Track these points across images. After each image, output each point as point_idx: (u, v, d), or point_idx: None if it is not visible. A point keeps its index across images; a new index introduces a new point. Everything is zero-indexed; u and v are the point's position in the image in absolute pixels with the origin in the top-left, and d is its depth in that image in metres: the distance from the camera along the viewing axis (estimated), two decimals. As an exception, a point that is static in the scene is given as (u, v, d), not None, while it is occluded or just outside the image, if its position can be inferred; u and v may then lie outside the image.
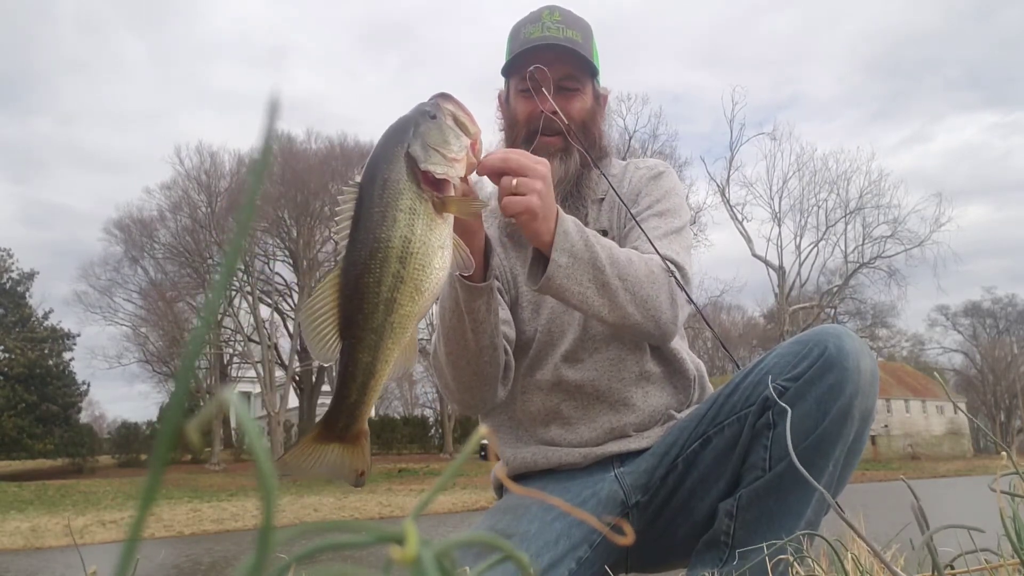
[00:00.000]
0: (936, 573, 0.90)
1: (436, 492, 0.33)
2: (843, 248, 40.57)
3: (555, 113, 1.74)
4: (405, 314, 1.14)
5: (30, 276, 38.40)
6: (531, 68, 1.73)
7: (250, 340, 36.00)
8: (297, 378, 38.35)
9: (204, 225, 35.00)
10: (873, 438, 44.49)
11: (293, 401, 38.72)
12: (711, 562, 1.58)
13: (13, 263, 38.29)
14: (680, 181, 1.95)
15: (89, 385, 39.12)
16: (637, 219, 1.77)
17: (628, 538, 1.46)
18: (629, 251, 1.62)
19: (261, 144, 0.26)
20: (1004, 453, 0.99)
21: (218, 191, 35.50)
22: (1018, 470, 0.95)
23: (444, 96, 1.25)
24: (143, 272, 37.33)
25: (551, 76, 1.75)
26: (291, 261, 37.36)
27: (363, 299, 1.12)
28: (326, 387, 39.21)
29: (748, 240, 38.93)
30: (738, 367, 1.74)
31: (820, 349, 1.53)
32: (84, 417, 40.85)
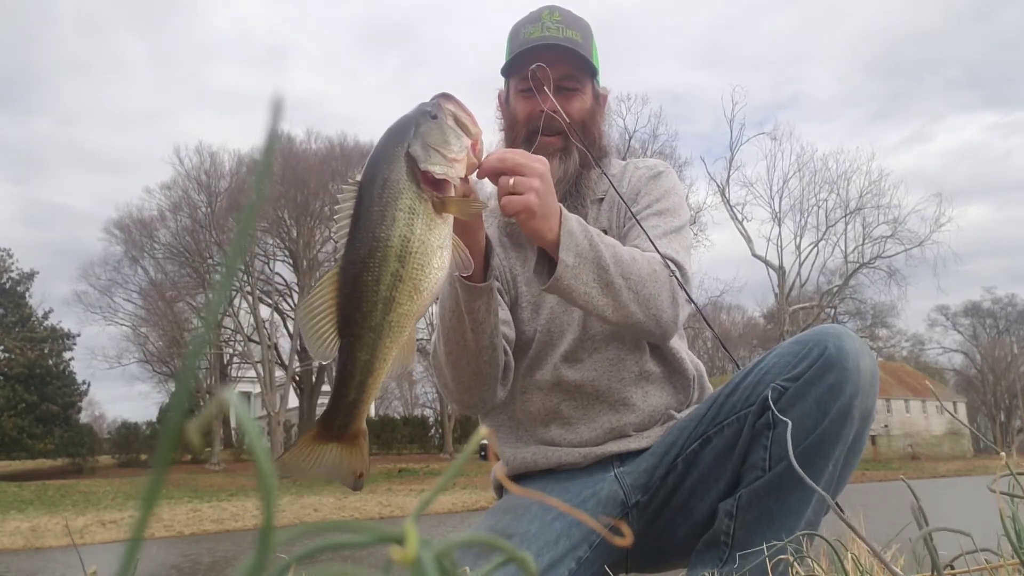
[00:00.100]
0: (936, 573, 0.90)
1: (436, 493, 0.33)
2: (843, 248, 40.63)
3: (556, 111, 1.74)
4: (403, 313, 1.14)
5: (30, 276, 38.43)
6: (532, 66, 1.73)
7: (250, 340, 36.01)
8: (297, 378, 38.34)
9: (204, 225, 35.00)
10: (873, 438, 44.50)
11: (293, 401, 38.72)
12: (711, 562, 1.58)
13: (13, 263, 38.35)
14: (680, 181, 1.96)
15: (89, 385, 39.19)
16: (637, 218, 1.77)
17: (626, 539, 1.46)
18: (632, 249, 1.62)
19: (264, 145, 0.26)
20: (1003, 454, 0.99)
21: (218, 191, 35.51)
22: (1011, 471, 0.95)
23: (445, 96, 1.25)
24: (143, 272, 37.39)
25: (551, 76, 1.75)
26: (291, 261, 37.37)
27: (361, 297, 1.12)
28: (326, 387, 39.17)
29: (748, 240, 38.98)
30: (738, 367, 1.74)
31: (820, 349, 1.53)
32: (84, 417, 40.91)
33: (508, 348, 1.73)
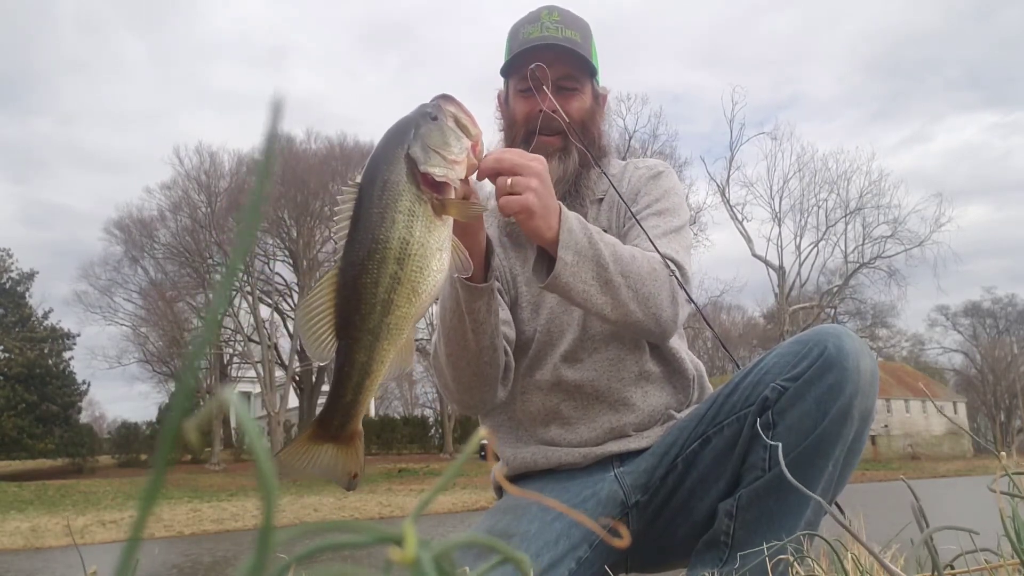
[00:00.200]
0: (936, 573, 0.90)
1: (436, 493, 0.33)
2: (843, 248, 40.63)
3: (555, 111, 1.74)
4: (402, 315, 1.14)
5: (30, 276, 38.42)
6: (532, 66, 1.73)
7: (250, 340, 36.00)
8: (297, 378, 38.33)
9: (204, 225, 34.99)
10: (873, 438, 44.49)
11: (293, 401, 38.71)
12: (711, 562, 1.58)
13: (13, 263, 38.33)
14: (680, 181, 1.96)
15: (89, 385, 39.17)
16: (636, 218, 1.77)
17: (624, 540, 1.46)
18: (632, 248, 1.62)
19: (265, 145, 0.26)
20: (1003, 455, 0.99)
21: (218, 191, 35.51)
22: (1008, 472, 0.95)
23: (445, 97, 1.25)
24: (143, 272, 37.39)
25: (550, 76, 1.75)
26: (291, 261, 37.36)
27: (360, 299, 1.12)
28: (326, 387, 38.76)
29: (748, 240, 38.97)
30: (738, 367, 1.74)
31: (820, 349, 1.53)
32: (84, 417, 40.90)
33: (508, 348, 1.73)
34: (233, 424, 37.90)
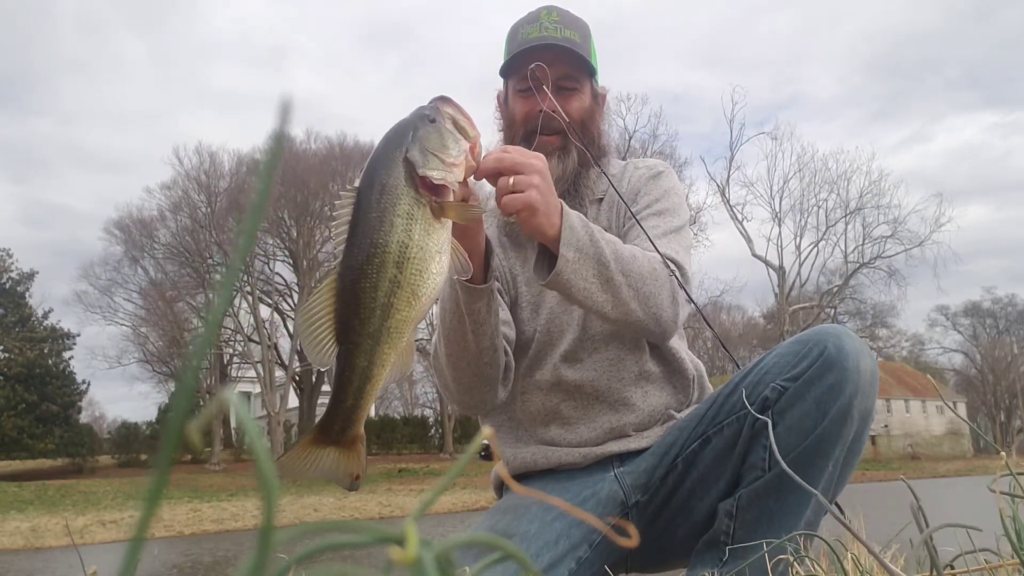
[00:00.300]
0: (935, 573, 0.90)
1: (437, 494, 0.33)
2: (843, 248, 40.63)
3: (555, 110, 1.74)
4: (402, 319, 1.14)
5: (30, 276, 38.42)
6: (532, 65, 1.73)
7: (250, 340, 36.00)
8: (297, 378, 38.33)
9: (204, 225, 34.99)
10: (873, 438, 44.49)
11: (293, 401, 38.71)
12: (711, 562, 1.58)
13: (13, 263, 38.33)
14: (679, 181, 1.96)
15: (89, 384, 39.17)
16: (636, 218, 1.77)
17: (632, 540, 1.46)
18: (632, 247, 1.62)
19: (270, 146, 0.27)
20: (1003, 454, 0.99)
21: (218, 191, 35.52)
22: (1011, 471, 0.95)
23: (443, 99, 1.25)
24: (143, 272, 37.39)
25: (549, 76, 1.75)
26: (291, 261, 37.35)
27: (360, 304, 1.12)
28: (326, 387, 39.12)
29: (748, 240, 38.97)
30: (738, 367, 1.74)
31: (820, 349, 1.53)
32: (84, 417, 40.90)
33: (508, 349, 1.73)
34: (233, 424, 37.91)
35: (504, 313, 1.77)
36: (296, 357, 35.71)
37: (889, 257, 39.76)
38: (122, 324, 37.68)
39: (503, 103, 1.90)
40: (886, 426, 47.87)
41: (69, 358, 37.90)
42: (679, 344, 1.84)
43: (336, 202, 1.16)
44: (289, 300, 39.08)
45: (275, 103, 0.27)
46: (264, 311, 37.18)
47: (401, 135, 1.19)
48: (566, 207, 1.50)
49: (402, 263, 1.13)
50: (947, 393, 52.09)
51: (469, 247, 1.28)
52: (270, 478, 0.26)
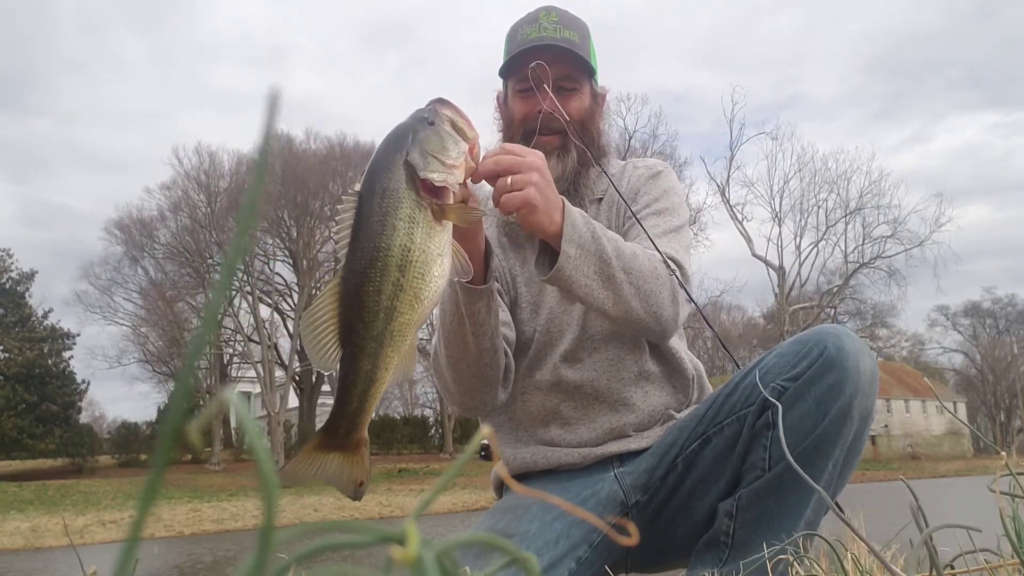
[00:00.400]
0: (935, 573, 0.90)
1: (437, 493, 0.33)
2: (843, 248, 40.64)
3: (555, 110, 1.74)
4: (405, 322, 1.14)
5: (30, 276, 38.43)
6: (532, 64, 1.73)
7: (250, 340, 36.00)
8: (297, 378, 38.33)
9: (204, 225, 35.00)
10: (873, 438, 44.49)
11: (293, 401, 38.71)
12: (711, 562, 1.58)
13: (13, 263, 38.35)
14: (679, 180, 1.96)
15: (88, 383, 39.18)
16: (636, 218, 1.77)
17: (633, 539, 1.46)
18: (634, 245, 1.62)
19: (261, 143, 0.26)
20: (1003, 454, 0.99)
21: (217, 191, 35.52)
22: (1011, 471, 0.95)
23: (441, 101, 1.25)
24: (143, 272, 37.39)
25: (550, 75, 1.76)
26: (291, 261, 37.36)
27: (363, 307, 1.13)
28: (326, 387, 39.21)
29: (748, 240, 38.98)
30: (738, 367, 1.74)
31: (820, 349, 1.53)
32: (84, 417, 40.89)
33: (508, 350, 1.73)
34: (233, 424, 37.91)
35: (504, 314, 1.77)
36: (296, 357, 35.72)
37: (889, 257, 39.81)
38: (122, 324, 37.75)
39: (502, 104, 1.90)
40: (886, 426, 47.88)
41: (69, 358, 37.95)
42: (678, 344, 1.84)
43: (338, 206, 1.17)
44: (289, 300, 39.11)
45: (265, 99, 0.27)
46: (264, 311, 37.24)
47: (401, 138, 1.19)
48: (568, 203, 1.50)
49: (405, 266, 1.14)
50: (947, 393, 52.14)
51: (469, 248, 1.28)
52: (270, 478, 0.26)
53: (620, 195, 1.82)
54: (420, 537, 0.30)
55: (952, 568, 1.05)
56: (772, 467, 1.54)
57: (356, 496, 1.20)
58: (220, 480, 29.79)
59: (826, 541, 1.15)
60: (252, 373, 36.54)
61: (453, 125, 1.23)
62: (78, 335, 37.98)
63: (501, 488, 1.90)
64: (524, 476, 1.81)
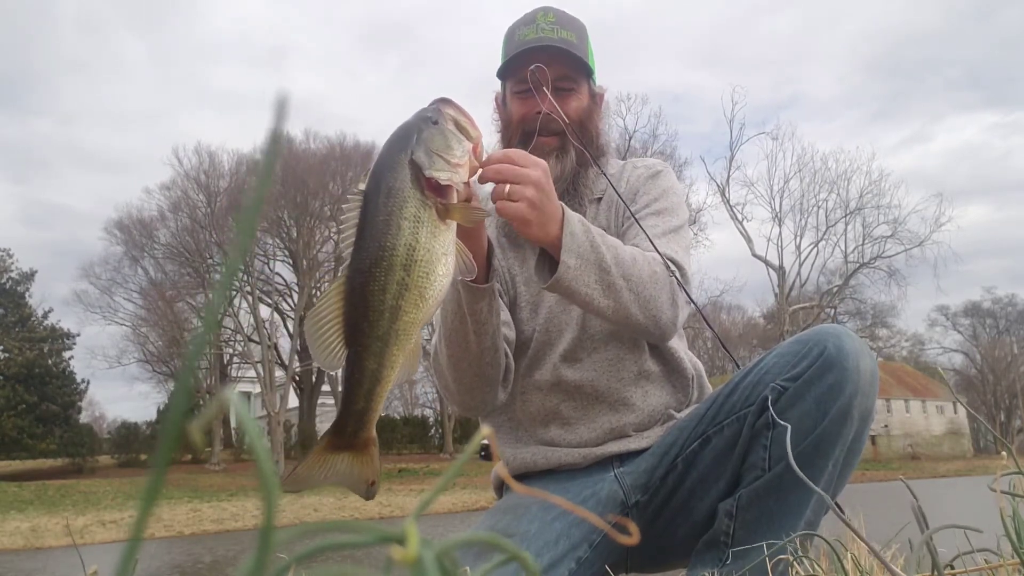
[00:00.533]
0: (936, 573, 0.90)
1: (437, 493, 0.33)
2: (843, 248, 40.62)
3: (555, 112, 1.74)
4: (410, 321, 1.15)
5: (30, 276, 38.44)
6: (532, 67, 1.73)
7: (250, 340, 36.00)
8: (297, 378, 38.33)
9: (204, 225, 35.00)
10: (873, 438, 44.49)
11: (293, 401, 38.71)
12: (711, 562, 1.58)
13: (13, 263, 38.35)
14: (679, 180, 1.96)
15: (88, 383, 39.17)
16: (636, 218, 1.77)
17: (633, 538, 1.46)
18: (633, 249, 1.62)
19: (267, 144, 0.27)
20: (1004, 451, 0.99)
21: (217, 191, 35.51)
22: (1020, 468, 0.95)
23: (444, 101, 1.25)
24: (143, 272, 37.39)
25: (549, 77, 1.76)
26: (291, 261, 37.36)
27: (368, 307, 1.13)
28: (326, 387, 39.20)
29: (748, 240, 38.97)
30: (738, 367, 1.74)
31: (820, 349, 1.53)
32: (84, 417, 40.88)
33: (508, 350, 1.73)
34: (233, 424, 37.90)
35: (504, 314, 1.77)
36: (296, 357, 35.72)
37: (889, 257, 39.80)
38: (122, 324, 37.74)
39: (501, 105, 1.90)
40: (886, 426, 47.88)
41: (69, 358, 37.98)
42: (678, 343, 1.84)
43: (343, 205, 1.17)
44: (289, 300, 39.10)
45: (273, 102, 0.27)
46: (264, 311, 37.23)
47: (405, 138, 1.20)
48: (568, 212, 1.50)
49: (410, 266, 1.14)
50: (948, 393, 52.10)
51: (472, 247, 1.29)
52: (271, 478, 0.26)
53: (619, 195, 1.82)
54: (420, 537, 0.30)
55: (952, 568, 1.05)
56: (772, 467, 1.54)
57: (368, 495, 1.21)
58: (220, 480, 29.79)
59: (826, 541, 1.15)
60: (252, 373, 36.53)
61: (456, 124, 1.23)
62: (78, 335, 38.04)
63: (501, 488, 1.90)
64: (524, 476, 1.81)
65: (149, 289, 36.65)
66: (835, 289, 40.60)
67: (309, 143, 37.87)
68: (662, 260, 1.64)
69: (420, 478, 31.53)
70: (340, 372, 1.18)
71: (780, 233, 45.39)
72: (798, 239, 40.48)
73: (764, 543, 1.41)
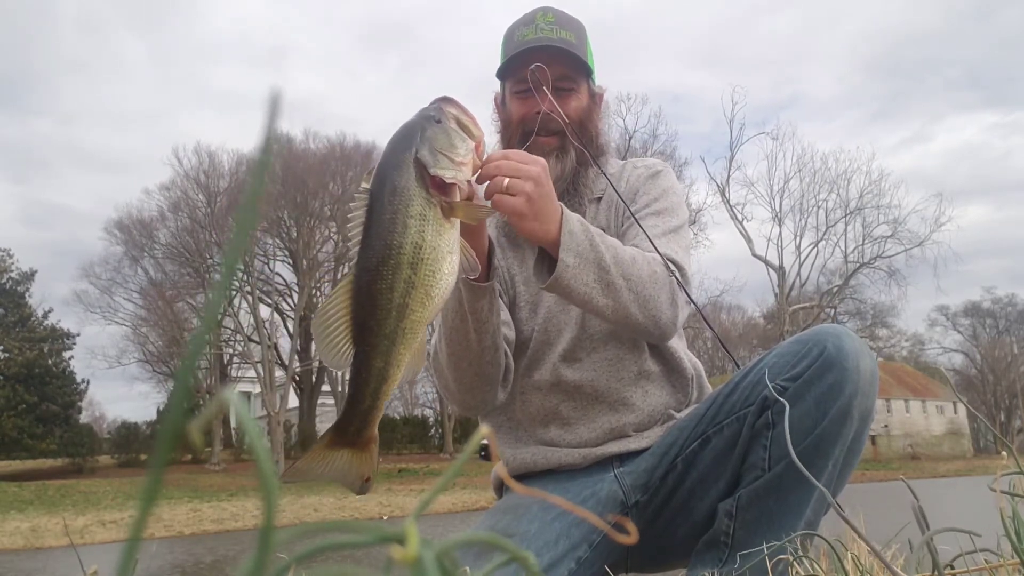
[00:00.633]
0: (936, 573, 0.90)
1: (436, 493, 0.33)
2: (843, 248, 40.62)
3: (555, 111, 1.74)
4: (416, 319, 1.15)
5: (30, 276, 38.43)
6: (532, 66, 1.74)
7: (250, 340, 36.00)
8: (297, 378, 38.32)
9: (204, 225, 35.00)
10: (873, 438, 44.49)
11: (293, 401, 38.70)
12: (711, 562, 1.58)
13: (13, 263, 38.34)
14: (678, 180, 1.96)
15: (88, 383, 39.17)
16: (636, 217, 1.77)
17: (632, 537, 1.46)
18: (632, 249, 1.63)
19: (262, 144, 0.26)
20: (1005, 451, 0.99)
21: (217, 191, 35.51)
22: (1020, 468, 0.95)
23: (446, 99, 1.25)
24: (143, 272, 37.38)
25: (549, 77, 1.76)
26: (291, 261, 37.35)
27: (375, 305, 1.13)
28: (326, 387, 39.19)
29: (748, 240, 38.97)
30: (738, 367, 1.74)
31: (819, 349, 1.53)
32: (84, 417, 40.89)
33: (508, 350, 1.73)
34: (233, 424, 37.90)
35: (504, 313, 1.77)
36: (296, 357, 35.72)
37: (889, 257, 39.79)
38: (122, 324, 37.73)
39: (500, 105, 1.90)
40: (886, 426, 47.88)
41: (69, 358, 37.98)
42: (678, 343, 1.84)
43: (350, 204, 1.17)
44: (289, 300, 39.09)
45: (266, 100, 0.27)
46: (264, 311, 37.21)
47: (409, 137, 1.20)
48: (567, 211, 1.50)
49: (416, 263, 1.14)
50: (947, 393, 52.11)
51: (474, 245, 1.29)
52: (271, 478, 0.26)
53: (619, 195, 1.82)
54: (420, 537, 0.30)
55: (952, 568, 1.05)
56: (772, 467, 1.54)
57: (362, 491, 1.21)
58: (220, 480, 29.78)
59: (826, 541, 1.15)
60: (252, 373, 36.53)
61: (459, 123, 1.23)
62: (78, 335, 38.04)
63: (501, 488, 1.90)
64: (524, 476, 1.81)
65: (149, 289, 36.65)
66: (835, 289, 40.60)
67: (309, 143, 37.90)
68: (662, 260, 1.64)
69: (420, 478, 31.53)
70: (344, 371, 1.19)
71: (780, 233, 45.38)
72: (798, 239, 40.51)
73: (764, 543, 1.41)
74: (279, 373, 36.86)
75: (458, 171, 1.19)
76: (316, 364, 37.74)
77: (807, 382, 1.52)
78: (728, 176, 38.89)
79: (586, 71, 1.83)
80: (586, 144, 1.81)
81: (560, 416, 1.78)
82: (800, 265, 40.29)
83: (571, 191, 1.82)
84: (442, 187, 1.18)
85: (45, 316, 38.26)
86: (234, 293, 33.76)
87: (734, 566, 1.50)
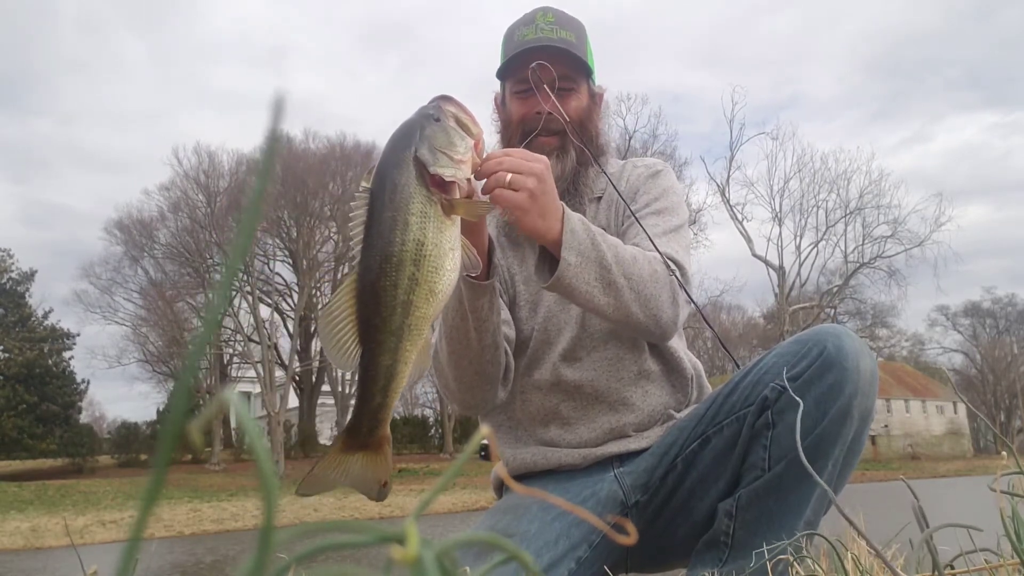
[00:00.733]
0: (936, 573, 0.90)
1: (436, 493, 0.33)
2: (843, 248, 40.60)
3: (556, 111, 1.74)
4: (421, 316, 1.16)
5: (30, 276, 38.44)
6: (533, 64, 1.74)
7: (250, 340, 36.00)
8: (297, 378, 38.32)
9: (204, 225, 34.99)
10: (873, 438, 44.50)
11: (293, 401, 38.70)
12: (711, 562, 1.58)
13: (13, 263, 38.34)
14: (678, 180, 1.96)
15: (88, 382, 39.17)
16: (636, 217, 1.77)
17: (631, 537, 1.46)
18: (633, 249, 1.63)
19: (265, 145, 0.27)
20: (1005, 451, 0.99)
21: (217, 191, 35.51)
22: (1020, 468, 0.95)
23: (445, 98, 1.26)
24: (143, 272, 37.38)
25: (548, 75, 1.76)
26: (291, 261, 37.37)
27: (380, 303, 1.14)
28: (326, 387, 39.19)
29: (748, 240, 38.95)
30: (738, 367, 1.74)
31: (819, 349, 1.53)
32: (84, 417, 40.88)
33: (508, 349, 1.73)
34: (233, 424, 37.90)
35: (504, 312, 1.77)
36: (296, 357, 35.72)
37: (889, 257, 39.77)
38: (122, 324, 37.73)
39: (500, 105, 1.90)
40: (886, 426, 47.88)
41: (69, 358, 37.99)
42: (678, 343, 1.84)
43: (351, 203, 1.18)
44: (289, 300, 39.10)
45: (271, 101, 0.27)
46: (264, 311, 37.22)
47: (409, 135, 1.20)
48: (568, 210, 1.51)
49: (419, 261, 1.15)
50: (947, 393, 52.12)
51: (474, 243, 1.29)
52: (271, 478, 0.26)
53: (619, 195, 1.82)
54: (420, 537, 0.30)
55: (952, 568, 1.05)
56: (772, 467, 1.54)
57: (380, 497, 1.21)
58: (220, 480, 29.79)
59: (827, 540, 1.15)
60: (252, 373, 36.52)
61: (458, 121, 1.24)
62: (78, 335, 38.05)
63: (501, 488, 1.90)
64: (524, 476, 1.81)
65: (149, 289, 36.65)
66: (835, 289, 40.60)
67: (309, 143, 37.92)
68: (662, 259, 1.64)
69: (420, 478, 31.52)
70: (348, 372, 1.18)
71: (780, 233, 45.29)
72: (798, 239, 40.50)
73: (764, 543, 1.41)
74: (279, 373, 36.86)
75: (457, 169, 1.20)
76: (316, 364, 37.77)
77: (807, 382, 1.52)
78: (728, 176, 38.91)
79: (586, 71, 1.83)
80: (586, 144, 1.81)
81: (560, 416, 1.78)
82: (800, 265, 40.32)
83: (571, 190, 1.82)
84: (442, 185, 1.19)
85: (45, 316, 38.29)
86: (234, 293, 33.76)
87: (734, 566, 1.50)
